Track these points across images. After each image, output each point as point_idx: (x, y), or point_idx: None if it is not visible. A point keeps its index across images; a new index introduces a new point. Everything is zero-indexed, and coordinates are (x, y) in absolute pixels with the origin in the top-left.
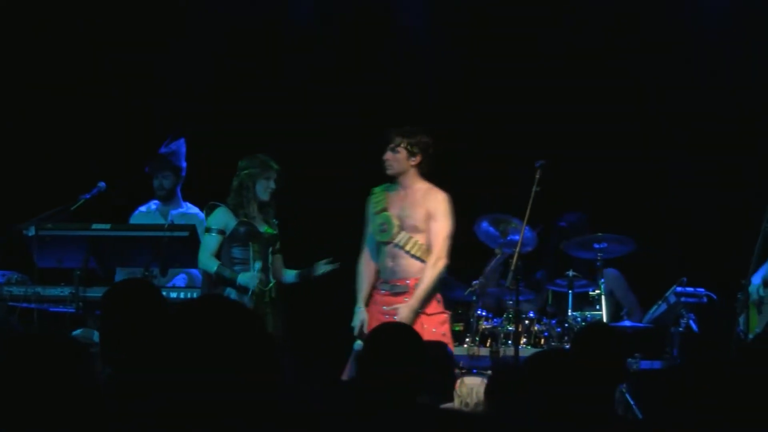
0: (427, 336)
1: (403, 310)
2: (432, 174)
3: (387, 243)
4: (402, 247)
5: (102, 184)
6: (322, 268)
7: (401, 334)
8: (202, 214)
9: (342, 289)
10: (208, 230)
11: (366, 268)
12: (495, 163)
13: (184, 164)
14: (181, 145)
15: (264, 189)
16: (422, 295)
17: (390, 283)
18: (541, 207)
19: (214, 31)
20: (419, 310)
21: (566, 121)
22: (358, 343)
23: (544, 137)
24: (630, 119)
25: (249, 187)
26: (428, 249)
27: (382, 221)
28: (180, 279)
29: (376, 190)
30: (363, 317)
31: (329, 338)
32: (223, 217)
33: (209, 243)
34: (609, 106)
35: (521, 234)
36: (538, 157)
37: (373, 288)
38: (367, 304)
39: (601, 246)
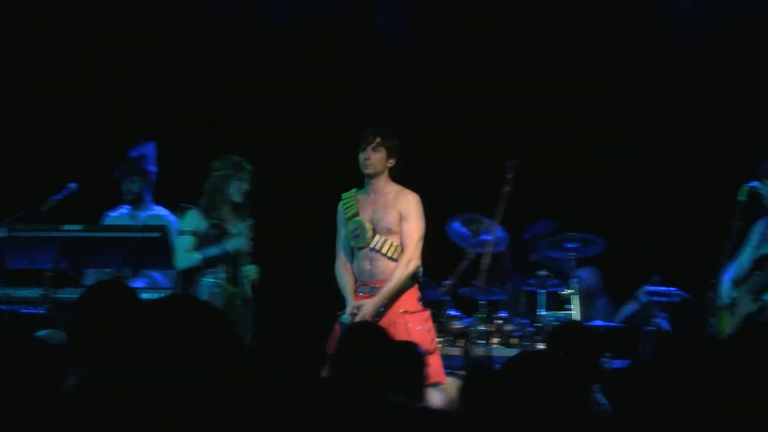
0: (413, 333)
1: (368, 306)
2: (404, 174)
3: (362, 248)
4: (378, 251)
5: (73, 185)
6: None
7: (372, 334)
8: (172, 217)
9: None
10: (181, 233)
11: (344, 269)
12: (467, 163)
13: (153, 168)
14: (150, 149)
15: (237, 190)
16: (387, 294)
17: (369, 285)
18: (512, 207)
19: (206, 32)
20: (402, 311)
21: (538, 120)
22: (346, 317)
23: (515, 137)
24: (600, 118)
25: (221, 188)
26: (403, 250)
27: (355, 227)
28: (140, 281)
29: (345, 195)
30: (355, 304)
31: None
32: (194, 220)
33: (183, 244)
34: (580, 106)
35: (493, 234)
36: (509, 157)
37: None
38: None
39: (573, 246)
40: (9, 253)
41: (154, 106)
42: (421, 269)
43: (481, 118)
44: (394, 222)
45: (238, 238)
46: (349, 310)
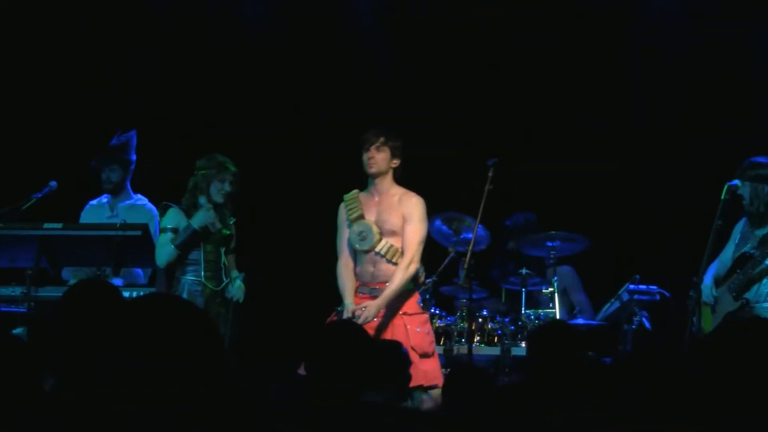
0: (412, 335)
1: (371, 309)
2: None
3: (367, 251)
4: (383, 255)
5: (53, 183)
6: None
7: (348, 330)
8: (151, 206)
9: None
10: (163, 230)
11: (345, 270)
12: (448, 162)
13: (133, 157)
14: (131, 138)
15: (218, 191)
16: (390, 296)
17: (369, 287)
18: (494, 205)
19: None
20: (401, 313)
21: (519, 119)
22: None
23: (496, 136)
24: (582, 117)
25: (203, 188)
26: (404, 252)
27: (362, 229)
28: (117, 279)
29: (347, 196)
30: (353, 307)
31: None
32: (175, 217)
33: (163, 240)
34: (562, 105)
35: (474, 232)
36: (490, 155)
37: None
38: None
39: (554, 244)
40: None
41: (154, 105)
42: (423, 271)
43: (464, 117)
44: (398, 224)
45: (202, 212)
46: (346, 314)
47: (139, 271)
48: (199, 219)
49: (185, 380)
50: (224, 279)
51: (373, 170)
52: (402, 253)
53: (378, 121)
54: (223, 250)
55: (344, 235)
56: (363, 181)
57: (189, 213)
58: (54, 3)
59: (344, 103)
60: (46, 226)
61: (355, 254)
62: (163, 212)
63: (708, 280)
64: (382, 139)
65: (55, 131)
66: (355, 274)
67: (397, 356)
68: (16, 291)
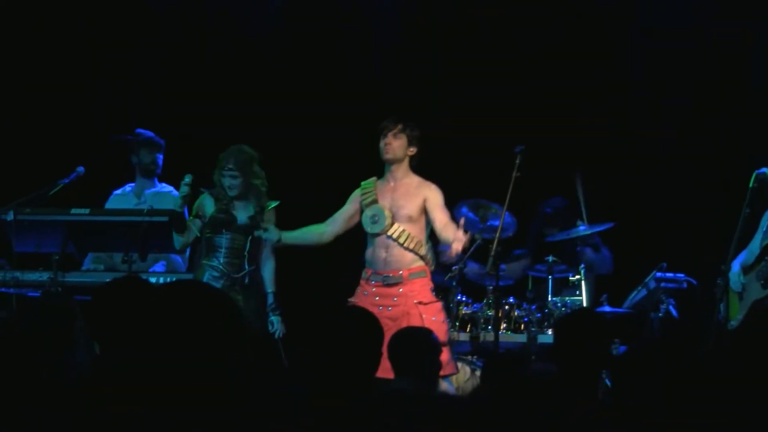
0: (428, 324)
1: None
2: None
3: (378, 235)
4: (395, 240)
5: (81, 169)
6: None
7: (359, 316)
8: (176, 192)
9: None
10: (201, 218)
11: (319, 228)
12: (474, 149)
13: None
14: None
15: (228, 187)
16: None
17: (382, 275)
18: (521, 192)
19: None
20: (417, 302)
21: (546, 105)
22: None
23: (524, 122)
24: (610, 101)
25: (219, 184)
26: (420, 242)
27: (374, 213)
28: (160, 265)
29: (365, 183)
30: (278, 235)
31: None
32: (205, 202)
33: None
34: (589, 90)
35: (501, 219)
36: (518, 142)
37: (363, 279)
38: (353, 294)
39: (583, 229)
40: (16, 237)
41: (154, 105)
42: (434, 259)
43: (489, 104)
44: (416, 211)
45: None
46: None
47: (179, 258)
48: (176, 199)
49: (194, 373)
50: (246, 267)
51: (389, 156)
52: (418, 242)
53: (377, 121)
54: (249, 238)
55: (344, 209)
56: (365, 177)
57: (219, 200)
58: (54, 3)
59: (345, 103)
60: (73, 211)
61: (368, 241)
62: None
63: (736, 267)
64: (400, 126)
65: (55, 131)
66: (367, 261)
67: (427, 343)
68: (44, 276)
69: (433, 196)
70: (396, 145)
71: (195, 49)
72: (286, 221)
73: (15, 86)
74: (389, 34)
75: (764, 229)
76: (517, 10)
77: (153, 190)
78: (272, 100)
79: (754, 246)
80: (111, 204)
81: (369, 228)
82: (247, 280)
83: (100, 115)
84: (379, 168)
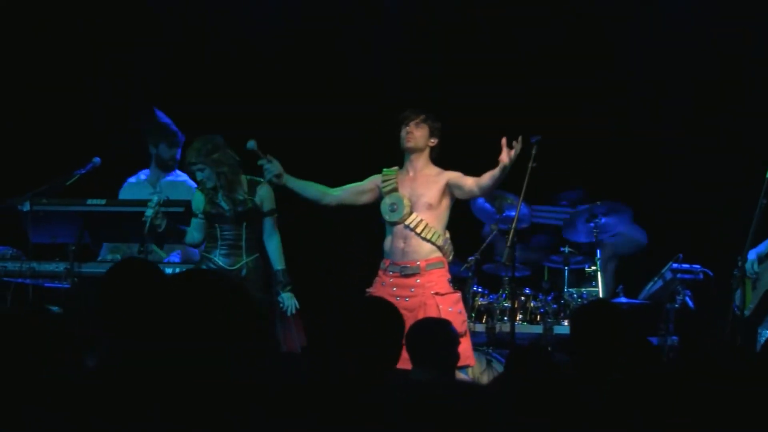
0: (444, 315)
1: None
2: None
3: (396, 223)
4: (413, 229)
5: (97, 160)
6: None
7: (379, 307)
8: (191, 181)
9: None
10: (195, 215)
11: (321, 189)
12: (489, 139)
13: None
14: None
15: (231, 170)
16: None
17: (400, 265)
18: (537, 183)
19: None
20: (434, 292)
21: (561, 95)
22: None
23: (539, 112)
24: (610, 101)
25: (212, 177)
26: (437, 232)
27: (393, 201)
28: (175, 255)
29: (387, 170)
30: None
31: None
32: (196, 200)
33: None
34: (589, 90)
35: (517, 210)
36: (533, 132)
37: (381, 269)
38: (371, 285)
39: (597, 221)
40: (32, 228)
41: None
42: (452, 249)
43: (489, 104)
44: (436, 198)
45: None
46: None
47: (195, 250)
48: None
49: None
50: (243, 258)
51: (410, 144)
52: (435, 232)
53: (376, 121)
54: (244, 225)
55: (358, 184)
56: (366, 177)
57: (208, 195)
58: (54, 3)
59: (345, 103)
60: (89, 202)
61: (386, 230)
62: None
63: (753, 256)
64: (422, 116)
65: (55, 131)
66: (385, 252)
67: (446, 334)
68: (60, 267)
69: (453, 174)
70: (418, 135)
71: (195, 49)
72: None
73: (15, 86)
74: (389, 34)
75: None
76: (517, 10)
77: (168, 178)
78: (272, 100)
79: None
80: (125, 192)
81: (387, 216)
82: (244, 272)
83: (100, 115)
84: (378, 168)
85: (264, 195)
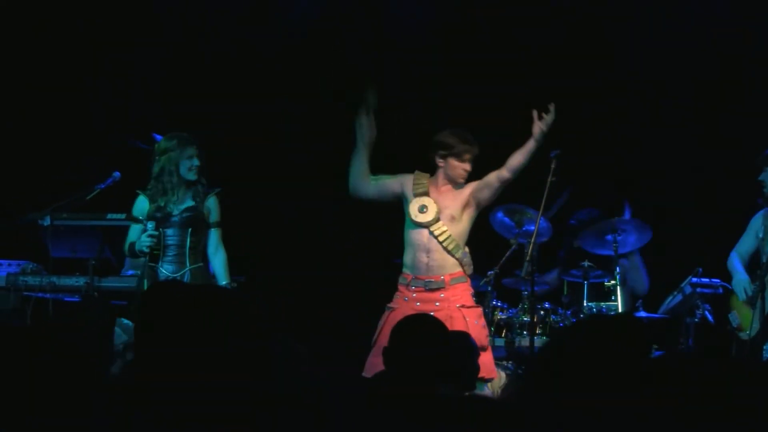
0: (471, 328)
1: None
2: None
3: (423, 226)
4: (436, 238)
5: (117, 174)
6: None
7: (426, 324)
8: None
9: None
10: (134, 220)
11: (366, 167)
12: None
13: None
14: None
15: (188, 169)
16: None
17: (424, 280)
18: (556, 197)
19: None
20: (459, 305)
21: (581, 111)
22: None
23: (559, 127)
24: (610, 101)
25: (172, 171)
26: (458, 245)
27: (424, 203)
28: None
29: (419, 173)
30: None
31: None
32: (140, 205)
33: (130, 233)
34: (589, 90)
35: (537, 224)
36: (553, 147)
37: (402, 284)
38: (391, 300)
39: (614, 237)
40: (52, 242)
41: (154, 105)
42: (471, 263)
43: (489, 104)
44: (459, 210)
45: (144, 237)
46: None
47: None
48: (139, 245)
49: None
50: (187, 265)
51: (462, 181)
52: (457, 245)
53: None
54: (189, 231)
55: (388, 181)
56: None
57: (153, 199)
58: (54, 3)
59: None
60: (109, 216)
61: (410, 237)
62: (134, 199)
63: (743, 275)
64: (475, 151)
65: (55, 131)
66: (407, 266)
67: (466, 346)
68: (80, 281)
69: (474, 183)
70: (468, 171)
71: (195, 49)
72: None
73: (15, 86)
74: (389, 34)
75: (759, 234)
76: (517, 10)
77: None
78: (272, 100)
79: (743, 249)
80: (139, 204)
81: (415, 216)
82: (187, 279)
83: (100, 115)
84: (379, 167)
85: (211, 205)
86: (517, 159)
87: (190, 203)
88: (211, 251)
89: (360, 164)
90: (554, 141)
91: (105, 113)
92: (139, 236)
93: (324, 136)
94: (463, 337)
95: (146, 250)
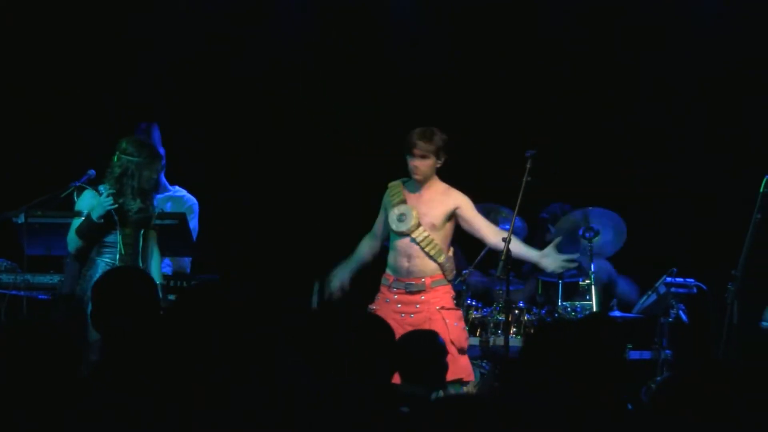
0: (451, 330)
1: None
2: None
3: (404, 235)
4: (418, 244)
5: (92, 172)
6: None
7: (375, 327)
8: (190, 197)
9: None
10: (78, 214)
11: (366, 245)
12: (485, 153)
13: (162, 151)
14: (154, 131)
15: (148, 179)
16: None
17: (405, 282)
18: (532, 197)
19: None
20: (439, 307)
21: (556, 110)
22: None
23: (534, 127)
24: (620, 107)
25: (134, 175)
26: (441, 250)
27: (402, 212)
28: (165, 265)
29: (392, 184)
30: (343, 279)
31: None
32: (90, 201)
33: (74, 225)
34: (599, 95)
35: (512, 224)
36: (528, 146)
37: (384, 285)
38: (373, 300)
39: (591, 236)
40: (27, 239)
41: (154, 105)
42: (454, 266)
43: (498, 108)
44: (440, 219)
45: (102, 200)
46: (335, 284)
47: (187, 259)
48: (99, 209)
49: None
50: (139, 263)
51: (418, 178)
52: (440, 250)
53: (376, 121)
54: (142, 232)
55: (379, 220)
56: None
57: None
58: (54, 3)
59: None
60: (84, 214)
61: (392, 244)
62: (78, 194)
63: None
64: (425, 147)
65: (55, 131)
66: (390, 267)
67: (433, 345)
68: (54, 279)
69: (464, 203)
70: (424, 167)
71: (195, 50)
72: (285, 221)
73: (15, 86)
74: (389, 34)
75: None
76: (518, 11)
77: (165, 194)
78: (272, 100)
79: None
80: (85, 200)
81: (395, 226)
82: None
83: (100, 114)
84: (378, 167)
85: (155, 210)
86: (514, 248)
87: (141, 205)
88: (149, 252)
89: (366, 259)
90: (529, 141)
91: (105, 113)
92: (93, 205)
93: (324, 137)
94: (430, 334)
95: (104, 212)
